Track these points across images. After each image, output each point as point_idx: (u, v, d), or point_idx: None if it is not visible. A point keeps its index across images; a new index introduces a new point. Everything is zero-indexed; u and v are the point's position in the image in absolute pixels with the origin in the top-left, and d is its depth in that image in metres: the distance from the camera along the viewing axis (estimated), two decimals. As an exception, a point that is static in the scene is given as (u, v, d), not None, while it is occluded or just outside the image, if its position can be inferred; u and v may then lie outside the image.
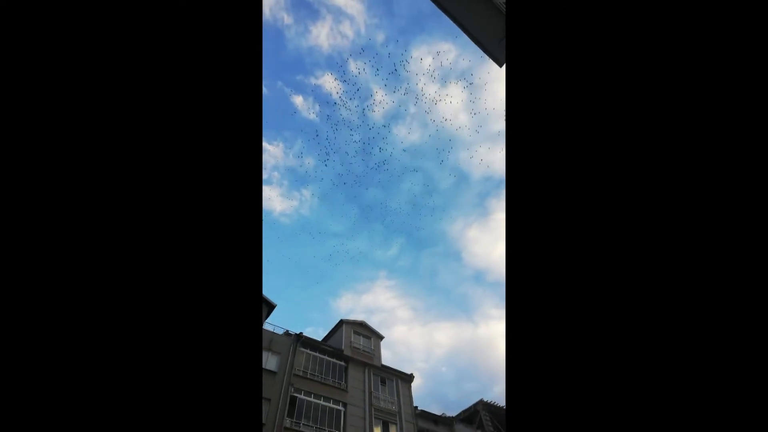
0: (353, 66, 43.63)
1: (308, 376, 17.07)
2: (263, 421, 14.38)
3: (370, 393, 18.28)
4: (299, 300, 64.98)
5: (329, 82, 43.47)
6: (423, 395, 65.29)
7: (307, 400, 16.27)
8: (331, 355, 18.63)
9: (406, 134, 49.46)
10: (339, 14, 40.94)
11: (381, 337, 21.41)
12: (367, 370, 19.11)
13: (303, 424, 15.40)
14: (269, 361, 16.41)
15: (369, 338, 20.89)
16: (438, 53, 48.11)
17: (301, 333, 18.15)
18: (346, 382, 18.03)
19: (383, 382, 19.66)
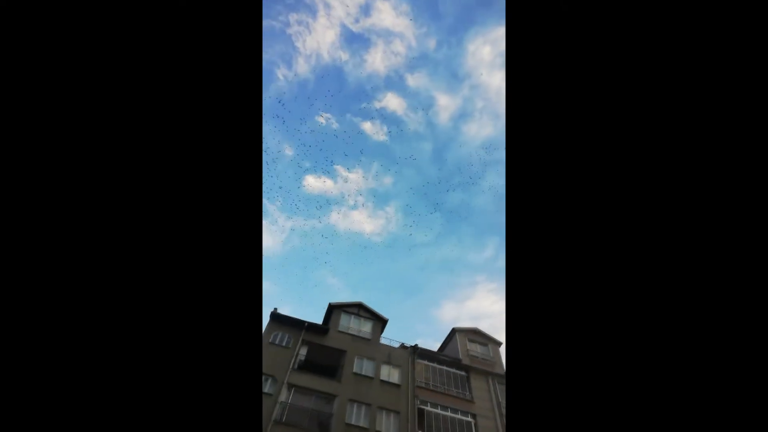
0: (411, 80, 44.43)
1: (431, 388, 16.84)
2: (396, 434, 14.47)
3: (499, 403, 17.32)
4: (403, 314, 65.92)
5: (392, 102, 44.83)
6: (550, 407, 59.97)
7: (435, 412, 15.99)
8: (449, 365, 18.20)
9: (478, 130, 48.09)
10: (388, 35, 42.46)
11: (499, 344, 20.36)
12: (490, 379, 18.21)
13: (434, 436, 15.13)
14: (392, 375, 16.60)
15: (486, 345, 19.99)
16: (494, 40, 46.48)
17: (416, 345, 18.12)
18: (470, 392, 17.37)
19: (510, 390, 18.49)
